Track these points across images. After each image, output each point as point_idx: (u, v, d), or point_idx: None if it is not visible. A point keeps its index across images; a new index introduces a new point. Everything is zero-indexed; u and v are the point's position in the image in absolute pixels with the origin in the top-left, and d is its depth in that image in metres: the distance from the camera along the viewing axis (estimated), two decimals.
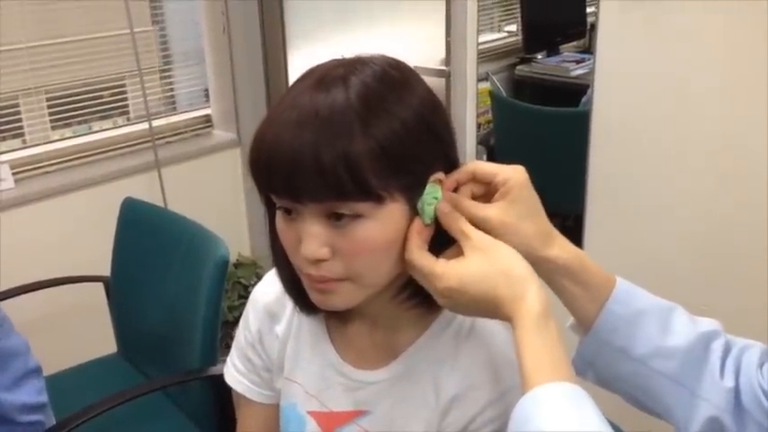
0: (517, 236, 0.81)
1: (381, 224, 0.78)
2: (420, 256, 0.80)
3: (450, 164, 0.84)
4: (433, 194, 0.81)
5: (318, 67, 0.82)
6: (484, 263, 0.77)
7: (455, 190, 0.84)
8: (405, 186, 0.79)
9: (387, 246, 0.80)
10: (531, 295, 0.75)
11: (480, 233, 0.79)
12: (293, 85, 0.81)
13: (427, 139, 0.80)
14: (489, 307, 0.77)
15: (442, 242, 0.82)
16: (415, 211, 0.81)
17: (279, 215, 0.82)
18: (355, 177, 0.74)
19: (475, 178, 0.84)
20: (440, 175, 0.82)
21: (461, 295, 0.77)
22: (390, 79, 0.80)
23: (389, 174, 0.76)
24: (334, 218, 0.77)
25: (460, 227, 0.80)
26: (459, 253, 0.79)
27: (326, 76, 0.78)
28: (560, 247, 0.84)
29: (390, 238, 0.80)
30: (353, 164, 0.74)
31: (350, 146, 0.74)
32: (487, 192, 0.84)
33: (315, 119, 0.74)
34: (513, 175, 0.83)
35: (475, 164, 0.85)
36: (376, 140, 0.75)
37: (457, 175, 0.84)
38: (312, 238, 0.78)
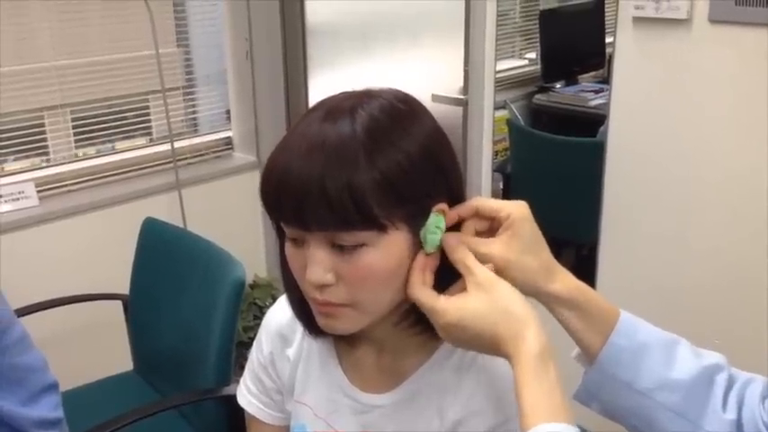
0: (520, 271, 0.82)
1: (384, 252, 0.80)
2: (421, 293, 0.81)
3: (455, 195, 0.85)
4: (436, 224, 0.82)
5: (329, 99, 0.84)
6: (484, 301, 0.78)
7: (458, 224, 0.85)
8: (408, 216, 0.81)
9: (389, 273, 0.81)
10: (530, 336, 0.75)
11: (484, 269, 0.80)
12: (304, 116, 0.83)
13: (431, 172, 0.82)
14: (489, 345, 0.78)
15: (449, 275, 0.82)
16: (417, 240, 0.82)
17: (287, 241, 0.84)
18: (359, 207, 0.76)
19: (478, 214, 0.85)
20: (443, 205, 0.83)
21: (461, 332, 0.78)
22: (397, 112, 0.82)
23: (393, 204, 0.78)
24: (339, 245, 0.79)
25: (465, 261, 0.81)
26: (464, 288, 0.80)
27: (335, 108, 0.81)
28: (563, 281, 0.85)
29: (393, 266, 0.81)
30: (357, 193, 0.76)
31: (354, 176, 0.76)
32: (491, 227, 0.85)
33: (322, 149, 0.77)
34: (516, 209, 0.84)
35: (478, 200, 0.86)
36: (380, 171, 0.77)
37: (459, 210, 0.85)
38: (317, 264, 0.80)
